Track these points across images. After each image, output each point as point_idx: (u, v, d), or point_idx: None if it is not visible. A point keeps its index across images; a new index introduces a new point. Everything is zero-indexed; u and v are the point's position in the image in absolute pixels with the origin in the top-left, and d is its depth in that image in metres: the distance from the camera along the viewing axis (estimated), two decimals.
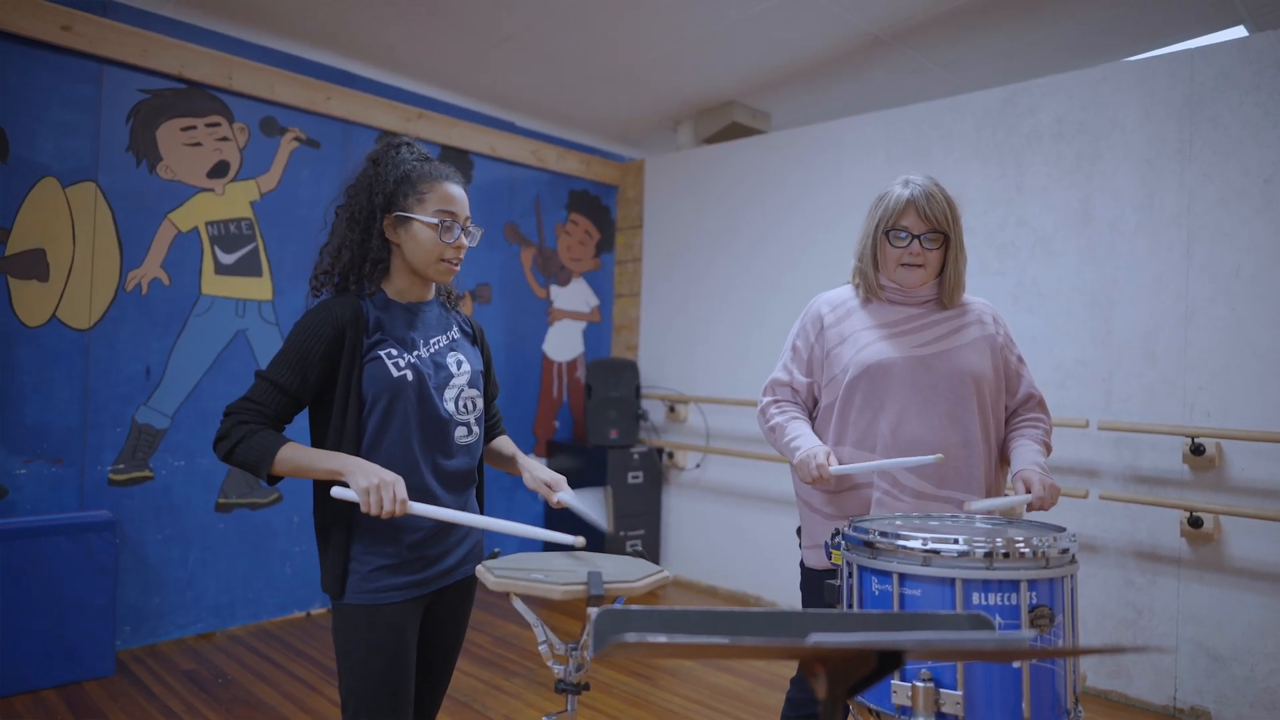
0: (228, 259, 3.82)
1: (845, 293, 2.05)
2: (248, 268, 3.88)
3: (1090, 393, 3.43)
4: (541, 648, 1.44)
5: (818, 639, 0.77)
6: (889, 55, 4.25)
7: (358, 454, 1.59)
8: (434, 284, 1.76)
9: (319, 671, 3.39)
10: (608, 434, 4.93)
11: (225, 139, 3.80)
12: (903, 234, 1.90)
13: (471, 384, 1.72)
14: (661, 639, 0.74)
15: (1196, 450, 3.11)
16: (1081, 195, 3.49)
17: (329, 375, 1.59)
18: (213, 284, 3.77)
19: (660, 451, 5.08)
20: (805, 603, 2.07)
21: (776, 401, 2.05)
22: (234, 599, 3.85)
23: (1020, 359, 2.05)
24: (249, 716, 2.97)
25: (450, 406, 1.67)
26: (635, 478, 4.91)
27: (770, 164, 4.66)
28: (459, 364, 1.71)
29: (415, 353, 1.64)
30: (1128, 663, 3.31)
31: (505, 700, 3.17)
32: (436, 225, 1.62)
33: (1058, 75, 3.62)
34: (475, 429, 1.73)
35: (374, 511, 1.45)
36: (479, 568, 1.43)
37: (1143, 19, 3.94)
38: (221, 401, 3.77)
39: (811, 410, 2.07)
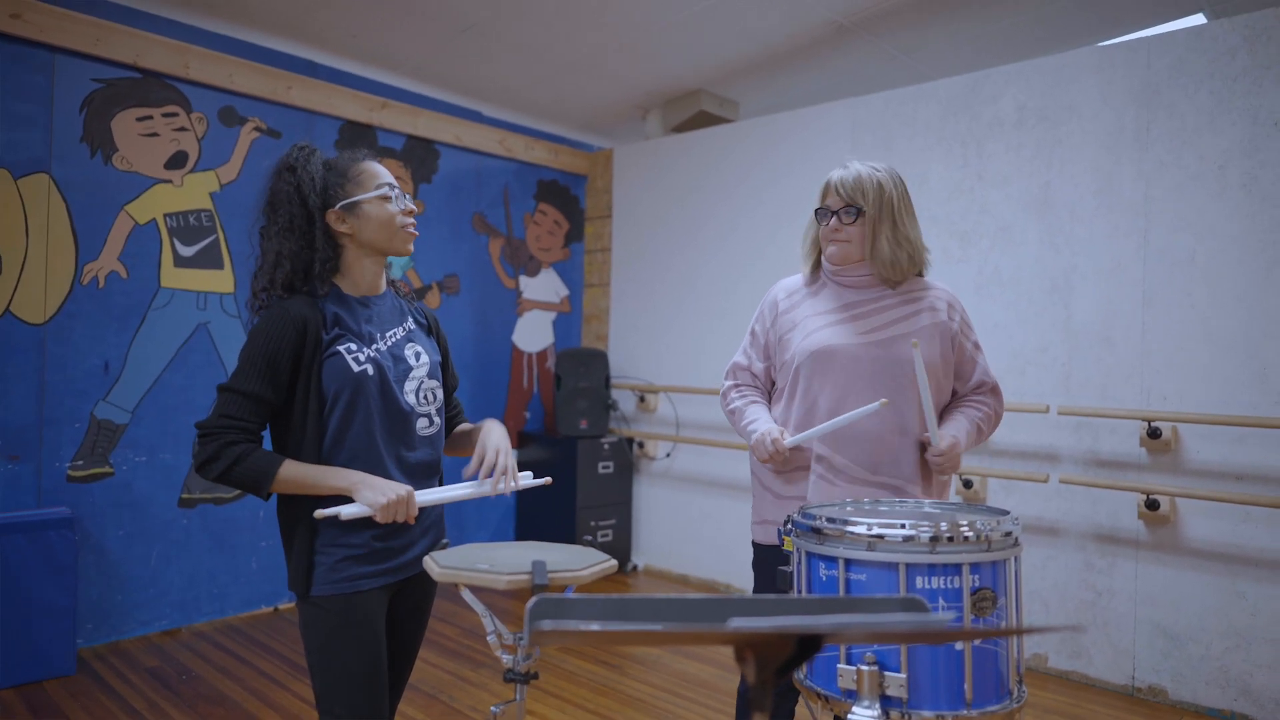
0: (188, 251, 3.76)
1: (800, 279, 2.11)
2: (208, 260, 3.83)
3: (1050, 378, 3.47)
4: (490, 638, 1.44)
5: (736, 624, 0.77)
6: (855, 43, 4.26)
7: (321, 451, 1.58)
8: (385, 276, 1.75)
9: (285, 666, 3.37)
10: (578, 424, 4.93)
11: (183, 129, 3.74)
12: (824, 213, 2.00)
13: (431, 375, 1.72)
14: (577, 626, 0.74)
15: (1153, 434, 3.16)
16: (1041, 182, 3.52)
17: (294, 375, 1.58)
18: (172, 277, 3.72)
19: (630, 441, 5.09)
20: (755, 579, 2.11)
21: (737, 386, 2.12)
22: (199, 595, 3.81)
23: (976, 345, 2.06)
24: (212, 713, 2.94)
25: (411, 399, 1.66)
26: (606, 468, 4.91)
27: (738, 152, 4.66)
28: (417, 355, 1.70)
29: (374, 346, 1.63)
30: (1088, 643, 3.36)
31: (472, 691, 3.17)
32: (387, 196, 1.64)
33: (1019, 63, 3.64)
34: (436, 420, 1.73)
35: (388, 521, 1.52)
36: (425, 559, 1.43)
37: (1105, 6, 3.97)
38: (184, 395, 3.74)
39: (770, 393, 2.12)
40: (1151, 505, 3.15)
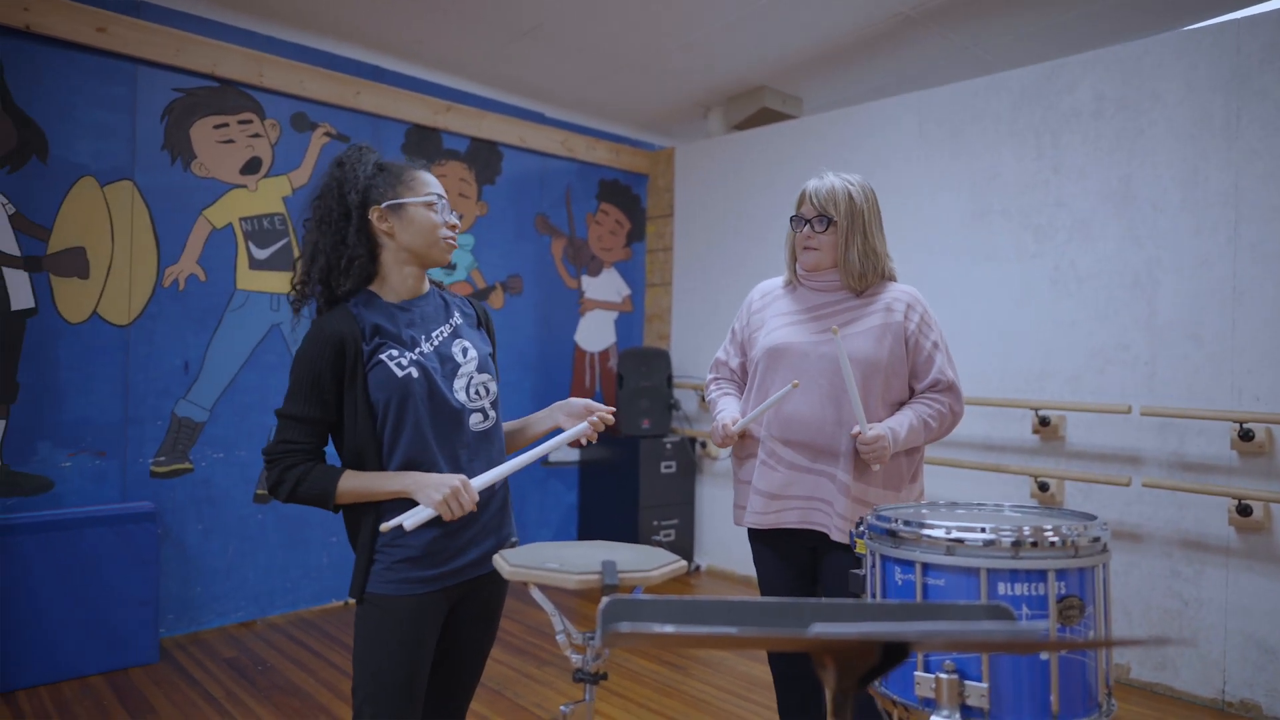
0: (261, 254, 3.88)
1: (778, 281, 2.24)
2: (281, 262, 3.94)
3: (1132, 377, 3.33)
4: (559, 637, 1.43)
5: (819, 630, 0.75)
6: (921, 35, 4.16)
7: (380, 461, 1.60)
8: (427, 277, 1.75)
9: None
10: (640, 424, 4.92)
11: (257, 135, 3.85)
12: (798, 220, 2.11)
13: (481, 369, 1.70)
14: (655, 629, 0.72)
15: (1245, 436, 3.01)
16: (1122, 174, 3.38)
17: (341, 391, 1.60)
18: (247, 279, 3.83)
19: (693, 441, 5.06)
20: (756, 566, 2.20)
21: (716, 380, 2.30)
22: (273, 588, 3.92)
23: (936, 345, 2.08)
24: (286, 704, 3.02)
25: (462, 396, 1.65)
26: (668, 467, 4.90)
27: (802, 149, 4.59)
28: (465, 351, 1.69)
29: (418, 349, 1.63)
30: (1174, 655, 3.22)
31: (536, 689, 3.18)
32: (434, 203, 1.65)
33: (1097, 50, 3.50)
34: (491, 414, 1.71)
35: (454, 516, 1.54)
36: (495, 557, 1.43)
37: None
38: (258, 395, 3.85)
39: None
40: (1244, 511, 3.00)
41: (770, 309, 2.18)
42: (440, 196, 1.66)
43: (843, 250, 2.06)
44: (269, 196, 3.90)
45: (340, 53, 4.18)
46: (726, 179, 4.99)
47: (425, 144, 4.44)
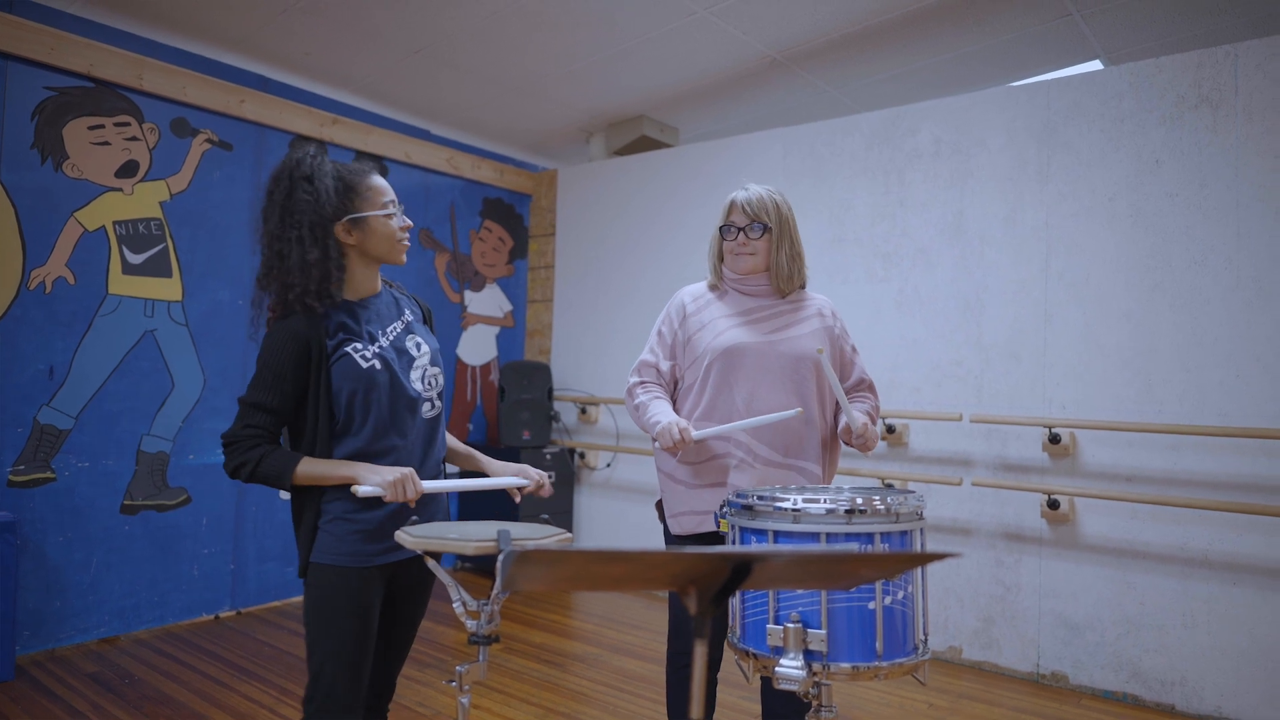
0: (136, 259, 3.80)
1: (703, 286, 2.32)
2: (157, 268, 3.87)
3: (964, 389, 3.76)
4: (455, 605, 1.58)
5: (693, 548, 0.95)
6: (786, 76, 4.54)
7: (333, 443, 1.74)
8: (379, 275, 1.90)
9: (230, 670, 3.41)
10: (520, 435, 5.05)
11: (134, 139, 3.79)
12: (730, 229, 2.21)
13: (433, 363, 1.88)
14: (555, 546, 0.91)
15: (1054, 439, 3.46)
16: (955, 210, 3.83)
17: (304, 383, 1.71)
18: (120, 284, 3.75)
19: (572, 452, 5.24)
20: None
21: (643, 383, 2.27)
22: (139, 602, 3.81)
23: (854, 349, 2.32)
24: (159, 713, 2.98)
25: (418, 386, 1.82)
26: (548, 478, 5.03)
27: (677, 176, 4.89)
28: (418, 346, 1.86)
29: (377, 344, 1.78)
30: (998, 635, 3.63)
31: (417, 689, 3.26)
32: (391, 214, 1.79)
33: (935, 100, 3.96)
34: (438, 404, 1.89)
35: (398, 500, 1.65)
36: (398, 532, 1.57)
37: (1013, 51, 4.33)
38: (128, 402, 3.76)
39: (673, 391, 2.29)
40: (1053, 505, 3.45)
41: (707, 311, 2.23)
42: (395, 203, 1.81)
43: (774, 254, 2.18)
44: (146, 201, 3.83)
45: (224, 60, 4.16)
46: (606, 201, 5.24)
47: None
